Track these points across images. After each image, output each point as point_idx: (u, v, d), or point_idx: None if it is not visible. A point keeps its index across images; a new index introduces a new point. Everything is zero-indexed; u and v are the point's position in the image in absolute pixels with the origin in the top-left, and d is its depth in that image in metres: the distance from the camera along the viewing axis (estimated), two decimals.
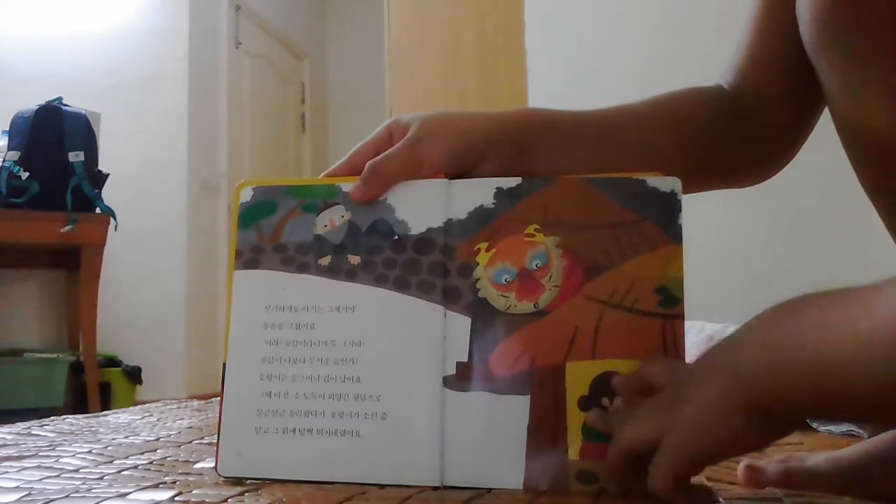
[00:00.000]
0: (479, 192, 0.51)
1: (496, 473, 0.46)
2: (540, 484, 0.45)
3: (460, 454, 0.47)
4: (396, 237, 0.51)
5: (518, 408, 0.47)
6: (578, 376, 0.46)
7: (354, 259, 0.51)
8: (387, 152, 0.52)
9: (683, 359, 0.46)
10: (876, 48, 0.43)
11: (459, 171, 0.52)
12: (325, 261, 0.52)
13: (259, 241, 0.53)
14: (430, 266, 0.50)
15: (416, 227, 0.51)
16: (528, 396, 0.47)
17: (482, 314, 0.49)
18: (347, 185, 0.53)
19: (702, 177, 0.58)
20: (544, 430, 0.46)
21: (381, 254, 0.51)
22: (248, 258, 0.53)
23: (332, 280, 0.51)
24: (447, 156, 0.51)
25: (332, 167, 0.55)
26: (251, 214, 0.54)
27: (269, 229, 0.53)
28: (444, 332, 0.49)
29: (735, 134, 0.58)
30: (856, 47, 0.44)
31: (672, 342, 0.46)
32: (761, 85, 0.57)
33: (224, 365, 0.52)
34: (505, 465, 0.46)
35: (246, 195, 0.54)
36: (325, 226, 0.52)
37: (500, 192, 0.51)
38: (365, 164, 0.52)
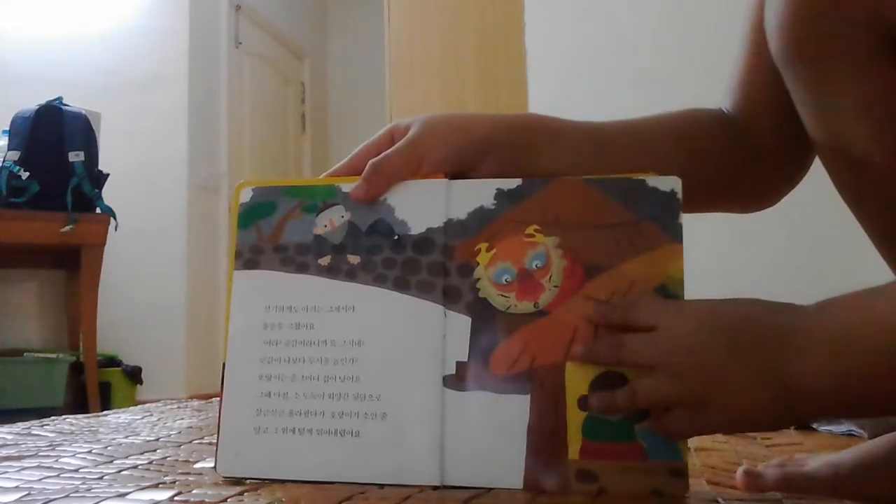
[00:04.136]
0: (479, 193, 0.51)
1: (496, 473, 0.46)
2: (540, 483, 0.45)
3: (460, 454, 0.47)
4: (396, 237, 0.51)
5: (518, 407, 0.47)
6: (578, 376, 0.46)
7: (354, 259, 0.51)
8: (387, 151, 0.52)
9: None
10: (838, 60, 0.44)
11: (459, 170, 0.52)
12: (325, 261, 0.52)
13: (259, 241, 0.53)
14: (429, 266, 0.50)
15: (416, 227, 0.51)
16: (528, 396, 0.47)
17: (482, 314, 0.49)
18: (347, 186, 0.53)
19: (701, 198, 0.57)
20: (544, 430, 0.46)
21: (381, 254, 0.51)
22: (248, 258, 0.53)
23: (332, 280, 0.51)
24: (447, 154, 0.52)
25: (333, 168, 0.55)
26: (251, 215, 0.54)
27: (269, 230, 0.53)
28: (443, 331, 0.49)
29: (736, 157, 0.58)
30: (819, 58, 0.44)
31: None
32: (757, 111, 0.57)
33: (224, 365, 0.52)
34: (505, 465, 0.46)
35: (245, 196, 0.54)
36: (325, 226, 0.52)
37: (500, 193, 0.51)
38: (366, 165, 0.52)
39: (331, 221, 0.52)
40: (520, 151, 0.53)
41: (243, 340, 0.52)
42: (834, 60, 0.43)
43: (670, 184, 0.49)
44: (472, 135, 0.52)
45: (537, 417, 0.46)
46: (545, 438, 0.46)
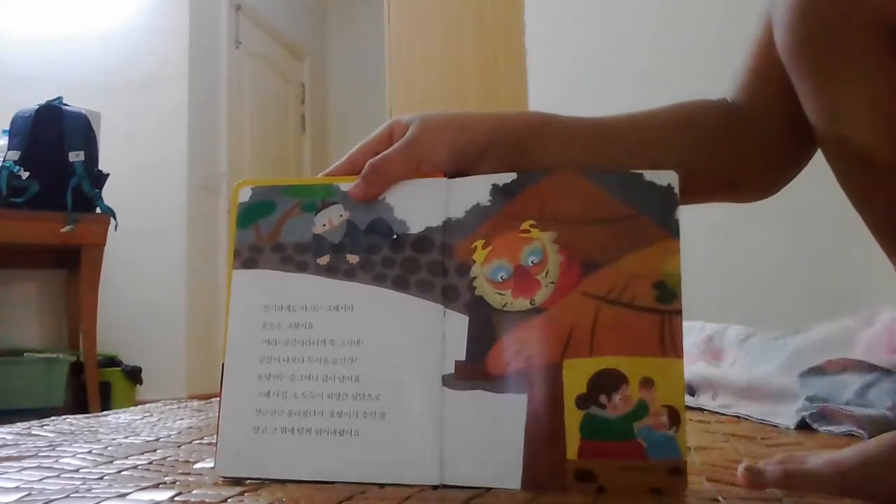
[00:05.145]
0: (475, 190, 0.51)
1: (494, 472, 0.46)
2: (538, 483, 0.45)
3: (459, 453, 0.47)
4: (395, 236, 0.51)
5: (515, 406, 0.46)
6: (576, 374, 0.46)
7: (353, 258, 0.51)
8: (387, 151, 0.52)
9: (681, 354, 0.46)
10: (843, 58, 0.43)
11: (459, 169, 0.52)
12: (324, 260, 0.52)
13: (257, 240, 0.53)
14: (428, 265, 0.50)
15: (415, 227, 0.51)
16: (525, 395, 0.46)
17: (479, 312, 0.49)
18: (346, 185, 0.53)
19: (702, 188, 0.58)
20: (542, 429, 0.46)
21: (380, 253, 0.51)
22: (247, 258, 0.53)
23: (331, 279, 0.51)
24: (447, 153, 0.52)
25: (332, 167, 0.55)
26: (250, 214, 0.54)
27: (268, 229, 0.53)
28: (443, 331, 0.49)
29: (739, 144, 0.58)
30: (824, 56, 0.44)
31: (670, 338, 0.46)
32: (763, 98, 0.57)
33: (223, 365, 0.52)
34: (503, 465, 0.46)
35: (244, 195, 0.54)
36: (324, 225, 0.52)
37: (495, 189, 0.50)
38: (365, 164, 0.52)
39: (329, 220, 0.52)
40: (519, 150, 0.53)
41: (242, 340, 0.52)
42: (838, 59, 0.43)
43: (667, 178, 0.48)
44: (472, 135, 0.52)
45: (534, 416, 0.46)
46: (542, 438, 0.46)
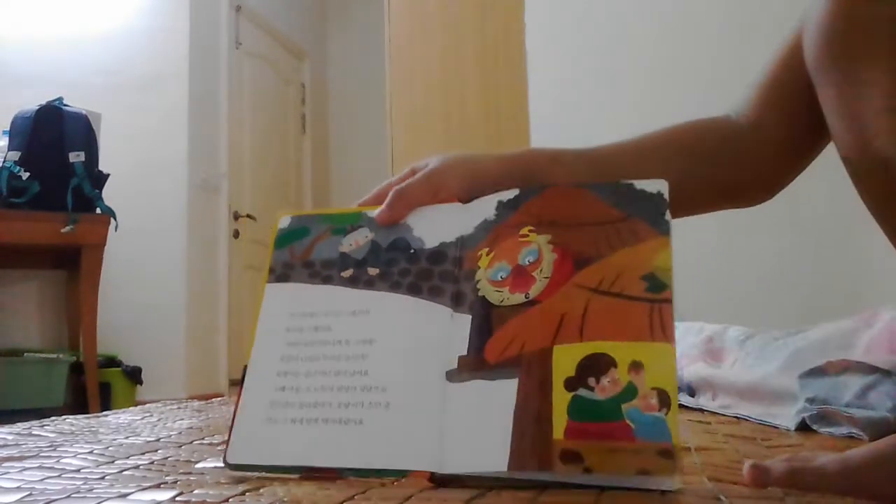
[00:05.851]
0: (484, 208, 0.56)
1: (483, 457, 0.46)
2: (524, 465, 0.45)
3: (454, 440, 0.48)
4: (412, 251, 0.56)
5: (506, 391, 0.48)
6: (565, 358, 0.47)
7: (373, 271, 0.57)
8: (408, 181, 0.59)
9: (671, 339, 0.46)
10: (870, 58, 0.45)
11: (472, 199, 0.58)
12: (347, 273, 0.57)
13: (291, 259, 0.59)
14: (440, 274, 0.55)
15: (431, 242, 0.56)
16: (516, 379, 0.48)
17: (480, 310, 0.51)
18: (373, 212, 0.59)
19: (701, 202, 0.62)
20: (530, 411, 0.46)
21: (398, 265, 0.56)
22: (280, 273, 0.59)
23: (352, 289, 0.57)
24: (461, 185, 0.59)
25: (361, 200, 0.62)
26: (286, 238, 0.61)
27: (301, 249, 0.60)
28: (450, 331, 0.51)
29: (735, 163, 0.62)
30: (853, 56, 0.46)
31: (659, 325, 0.46)
32: (767, 120, 0.61)
33: (245, 367, 0.56)
34: (492, 448, 0.46)
35: (284, 222, 0.62)
36: (350, 245, 0.59)
37: (500, 205, 0.56)
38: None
39: (356, 241, 0.59)
40: (525, 182, 0.58)
41: (267, 342, 0.56)
42: (866, 59, 0.45)
43: (657, 186, 0.51)
44: (483, 168, 0.60)
45: (523, 399, 0.47)
46: (530, 419, 0.46)
